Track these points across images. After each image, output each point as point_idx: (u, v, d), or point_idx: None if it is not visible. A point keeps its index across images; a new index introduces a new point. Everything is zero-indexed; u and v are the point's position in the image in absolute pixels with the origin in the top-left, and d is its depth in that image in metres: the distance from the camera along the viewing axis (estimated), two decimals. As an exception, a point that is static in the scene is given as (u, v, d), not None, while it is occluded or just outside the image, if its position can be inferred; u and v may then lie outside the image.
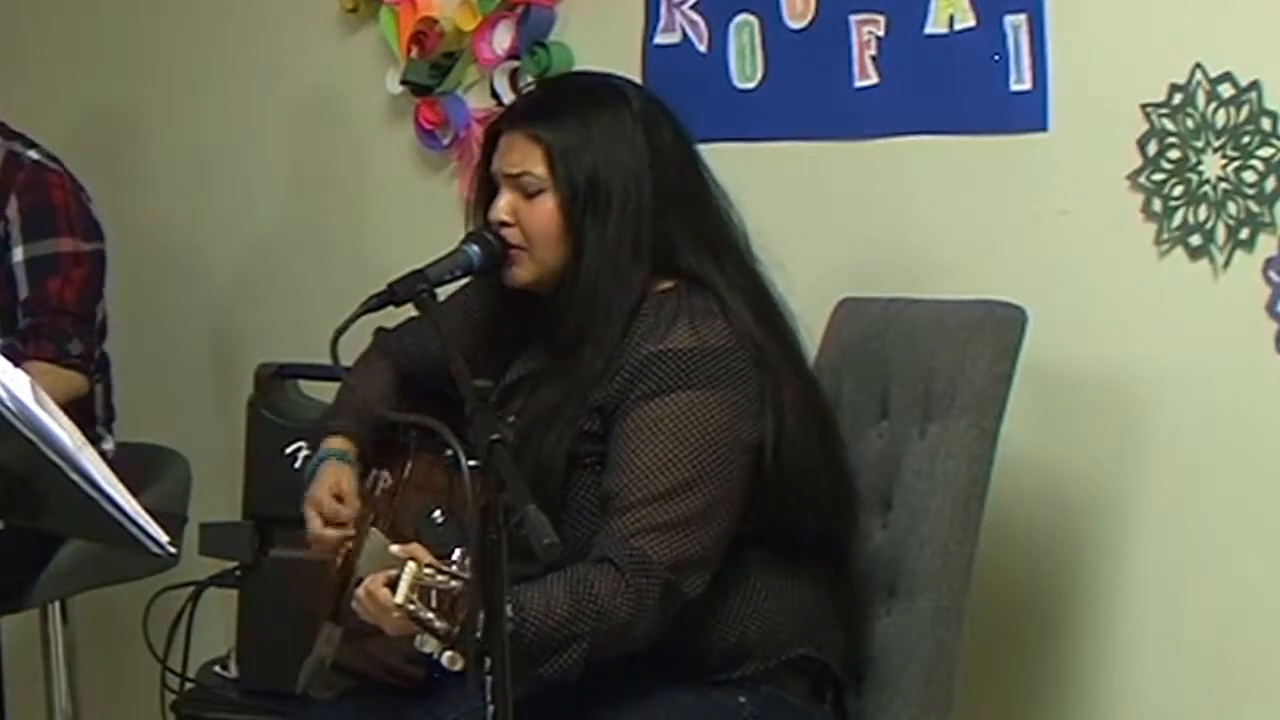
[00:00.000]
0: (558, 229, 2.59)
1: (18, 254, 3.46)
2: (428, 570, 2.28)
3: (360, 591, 2.40)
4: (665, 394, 2.52)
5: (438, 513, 2.62)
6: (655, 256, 2.60)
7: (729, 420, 2.52)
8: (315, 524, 2.75)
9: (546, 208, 2.60)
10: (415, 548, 2.33)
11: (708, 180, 2.68)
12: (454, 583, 2.27)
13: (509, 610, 2.29)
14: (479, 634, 2.18)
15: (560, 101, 2.65)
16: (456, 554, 2.28)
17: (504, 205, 2.63)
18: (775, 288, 2.68)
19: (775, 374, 2.57)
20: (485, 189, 2.68)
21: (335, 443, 2.82)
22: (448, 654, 2.26)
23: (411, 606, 2.26)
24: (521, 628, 2.35)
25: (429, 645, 2.28)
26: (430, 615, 2.26)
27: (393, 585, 2.29)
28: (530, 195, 2.61)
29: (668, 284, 2.61)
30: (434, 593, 2.26)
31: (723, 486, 2.51)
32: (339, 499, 2.75)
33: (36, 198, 3.48)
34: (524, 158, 2.61)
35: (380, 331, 2.93)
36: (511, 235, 2.63)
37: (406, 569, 2.28)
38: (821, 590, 2.66)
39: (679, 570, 2.47)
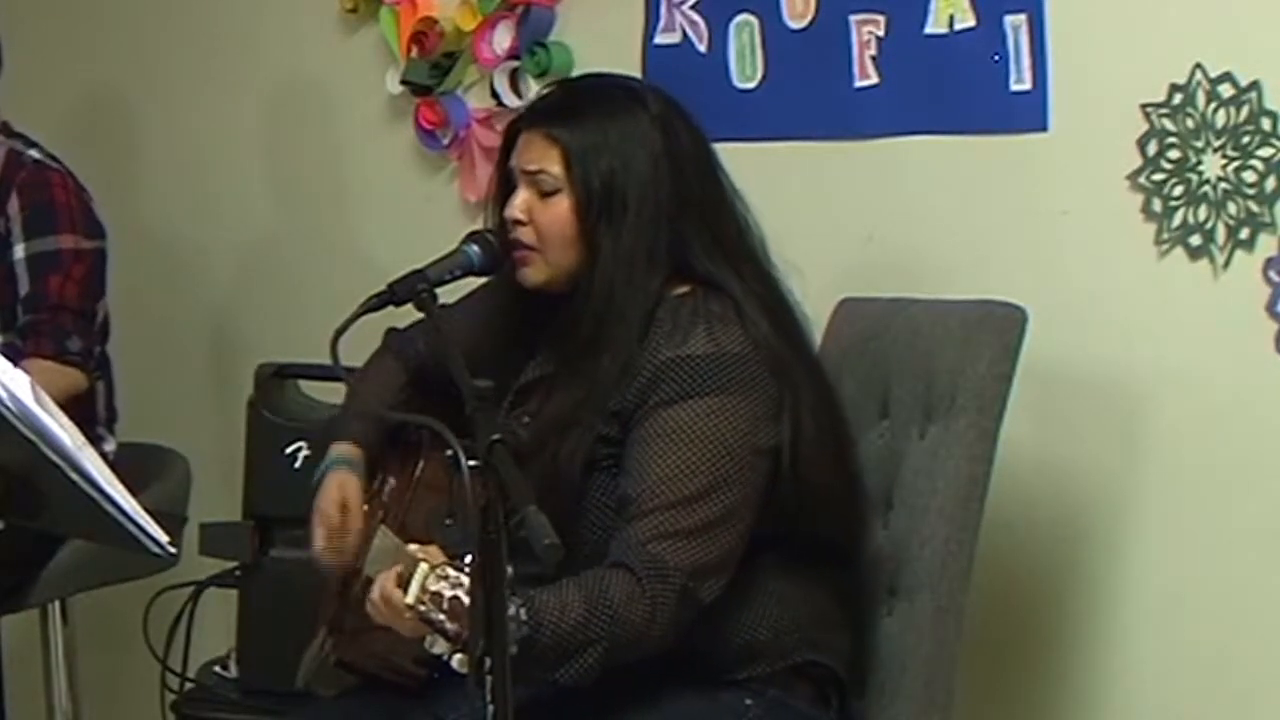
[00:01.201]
0: (572, 231, 2.59)
1: (19, 251, 3.46)
2: (438, 572, 2.28)
3: (374, 593, 2.40)
4: (683, 400, 2.51)
5: (449, 520, 2.62)
6: (671, 261, 2.59)
7: (746, 426, 2.52)
8: (320, 540, 2.75)
9: (561, 208, 2.60)
10: (430, 549, 2.34)
11: (725, 184, 2.68)
12: (465, 585, 2.26)
13: (523, 614, 2.30)
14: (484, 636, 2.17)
15: (579, 103, 2.65)
16: (469, 558, 2.28)
17: (519, 203, 2.62)
18: (791, 293, 2.68)
19: (792, 379, 2.57)
20: (503, 185, 2.68)
21: (342, 449, 2.81)
22: (458, 656, 2.26)
23: (423, 608, 2.26)
24: (536, 632, 2.35)
25: (439, 647, 2.28)
26: (441, 617, 2.26)
27: (404, 586, 2.30)
28: (546, 194, 2.60)
29: (684, 289, 2.61)
30: (445, 595, 2.26)
31: (740, 493, 2.51)
32: (344, 510, 2.74)
33: (38, 196, 3.48)
34: (541, 156, 2.61)
35: (391, 331, 2.93)
36: (525, 234, 2.62)
37: (418, 570, 2.28)
38: (830, 595, 2.66)
39: (696, 576, 2.47)
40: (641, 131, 2.60)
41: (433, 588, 2.28)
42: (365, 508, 2.75)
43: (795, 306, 2.68)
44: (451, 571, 2.29)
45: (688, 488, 2.48)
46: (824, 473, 2.58)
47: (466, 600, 2.25)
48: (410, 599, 2.27)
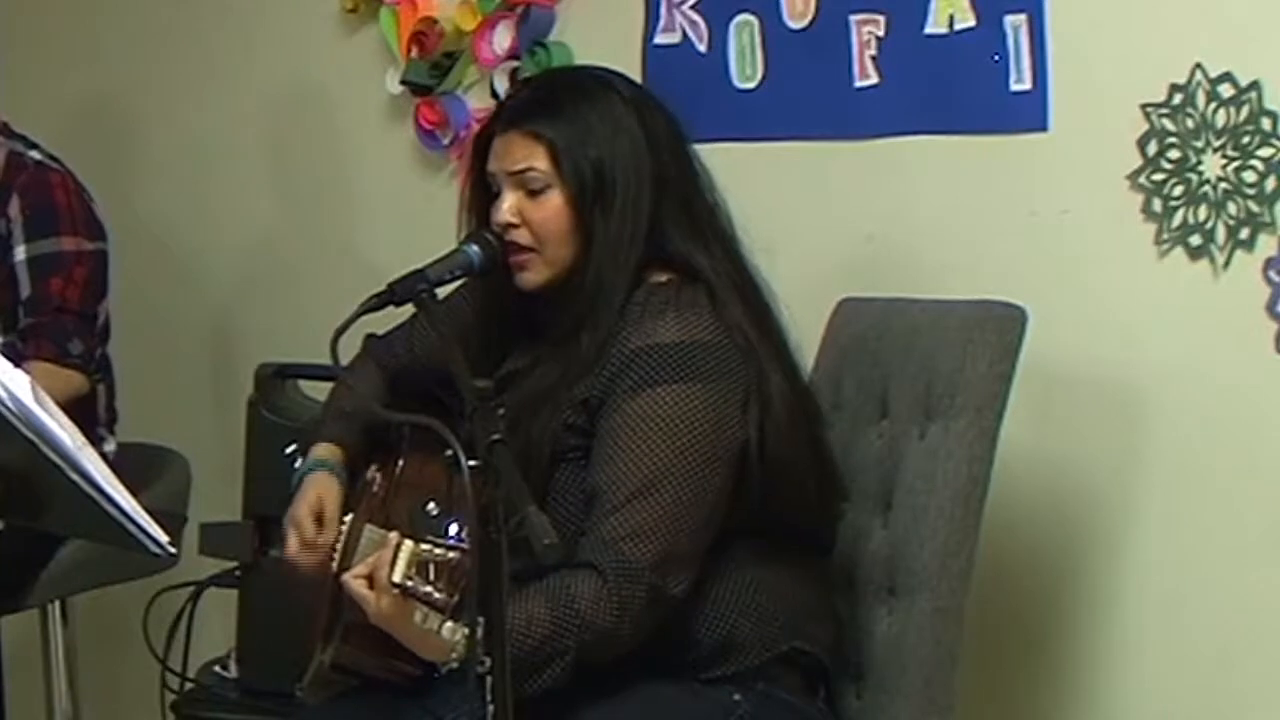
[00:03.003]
0: (568, 224, 2.59)
1: (20, 253, 3.46)
2: (424, 546, 2.29)
3: (354, 574, 2.40)
4: (649, 388, 2.51)
5: (432, 504, 2.61)
6: (652, 239, 2.59)
7: (714, 414, 2.51)
8: (293, 545, 2.74)
9: (554, 204, 2.59)
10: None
11: (696, 165, 2.68)
12: (452, 554, 2.27)
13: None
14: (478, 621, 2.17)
15: (554, 97, 2.64)
16: (453, 528, 2.28)
17: (509, 207, 2.62)
18: (760, 273, 2.68)
19: (762, 365, 2.56)
20: (479, 196, 2.67)
21: (321, 451, 2.81)
22: (448, 625, 2.26)
23: (410, 583, 2.27)
24: None
25: (430, 622, 2.28)
26: (429, 589, 2.26)
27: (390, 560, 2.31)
28: (535, 193, 2.60)
29: (662, 277, 2.61)
30: (432, 566, 2.27)
31: (705, 481, 2.50)
32: (319, 518, 2.73)
33: (39, 197, 3.49)
34: (527, 155, 2.60)
35: (370, 338, 2.92)
36: (519, 236, 2.62)
37: (404, 547, 2.29)
38: (809, 583, 2.66)
39: (663, 570, 2.47)
40: (619, 116, 2.60)
41: (420, 560, 2.28)
42: (346, 513, 2.74)
43: (764, 285, 2.67)
44: (437, 543, 2.29)
45: (651, 476, 2.48)
46: (793, 458, 2.58)
47: (453, 567, 2.25)
48: (397, 576, 2.28)
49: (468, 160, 2.71)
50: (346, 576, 2.42)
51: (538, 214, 2.60)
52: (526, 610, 2.41)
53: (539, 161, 2.59)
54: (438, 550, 2.29)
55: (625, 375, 2.53)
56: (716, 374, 2.53)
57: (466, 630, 2.19)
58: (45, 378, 3.22)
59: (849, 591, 2.76)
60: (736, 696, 2.57)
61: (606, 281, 2.57)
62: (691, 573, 2.51)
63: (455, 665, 2.35)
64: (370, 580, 2.39)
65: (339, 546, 2.69)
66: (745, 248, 2.68)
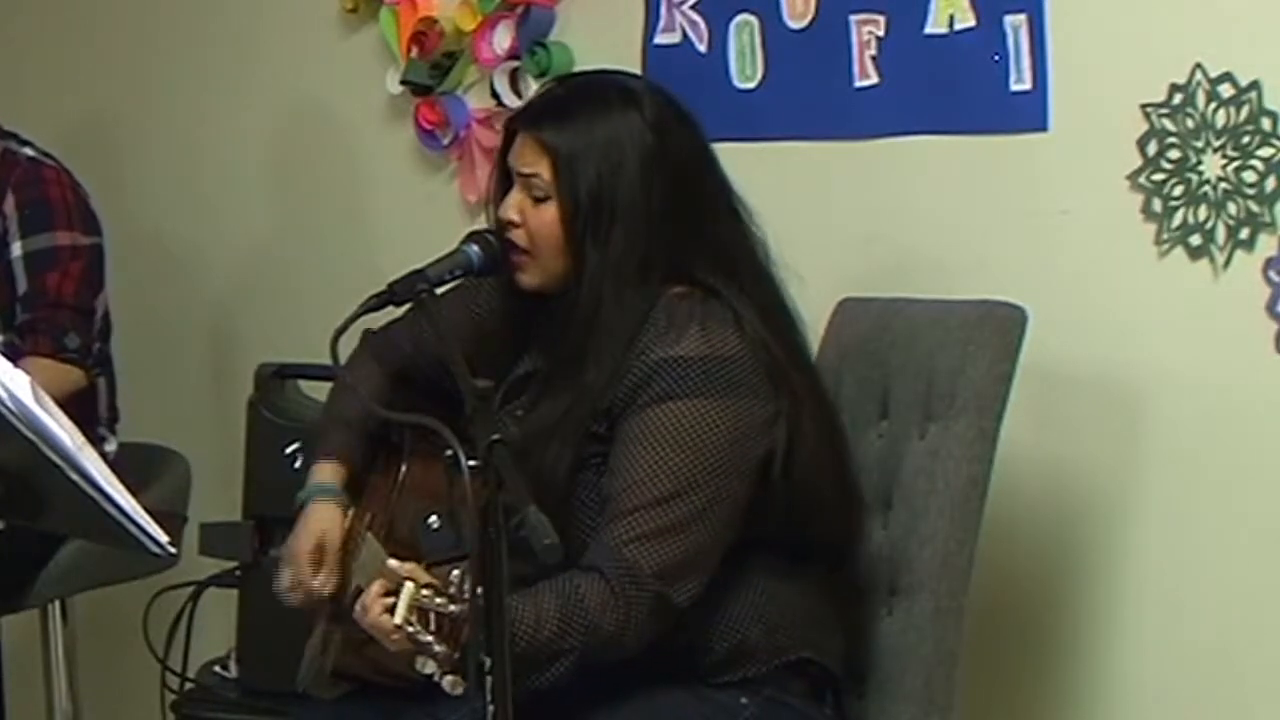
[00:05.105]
0: (560, 239, 2.58)
1: (15, 249, 3.46)
2: (425, 593, 2.25)
3: (358, 608, 2.39)
4: (671, 400, 2.50)
5: (434, 518, 2.60)
6: (665, 266, 2.57)
7: (735, 430, 2.50)
8: (285, 580, 2.71)
9: (550, 216, 2.58)
10: (413, 567, 2.32)
11: (724, 188, 2.65)
12: (453, 606, 2.23)
13: None
14: (480, 655, 2.16)
15: (571, 106, 2.61)
16: (455, 575, 2.25)
17: (513, 204, 2.61)
18: (791, 298, 2.67)
19: (792, 386, 2.55)
20: (502, 182, 2.66)
21: (324, 474, 2.77)
22: (449, 678, 2.24)
23: (411, 629, 2.23)
24: (511, 644, 2.33)
25: (429, 667, 2.25)
26: (429, 639, 2.22)
27: (389, 609, 2.28)
28: (537, 200, 2.59)
29: (682, 288, 2.59)
30: (433, 615, 2.23)
31: (719, 495, 2.49)
32: (319, 557, 2.70)
33: (33, 193, 3.49)
34: (534, 160, 2.59)
35: (369, 333, 2.90)
36: (518, 236, 2.62)
37: (404, 590, 2.25)
38: (823, 593, 2.66)
39: (668, 579, 2.46)
40: (632, 135, 2.56)
41: (420, 606, 2.25)
42: (346, 528, 2.73)
43: (794, 312, 2.67)
44: (439, 591, 2.25)
45: (666, 487, 2.47)
46: (819, 479, 2.58)
47: (454, 620, 2.23)
48: (398, 619, 2.24)
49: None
50: (358, 607, 2.40)
51: (535, 221, 2.60)
52: (537, 606, 2.41)
53: (544, 171, 2.58)
54: (439, 600, 2.24)
55: (647, 386, 2.51)
56: (738, 389, 2.52)
57: (465, 685, 2.18)
58: (43, 373, 3.22)
59: (849, 592, 2.76)
60: (743, 700, 2.57)
61: (606, 311, 2.54)
62: (699, 582, 2.50)
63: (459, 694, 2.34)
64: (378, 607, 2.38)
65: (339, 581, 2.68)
66: (779, 274, 2.66)
